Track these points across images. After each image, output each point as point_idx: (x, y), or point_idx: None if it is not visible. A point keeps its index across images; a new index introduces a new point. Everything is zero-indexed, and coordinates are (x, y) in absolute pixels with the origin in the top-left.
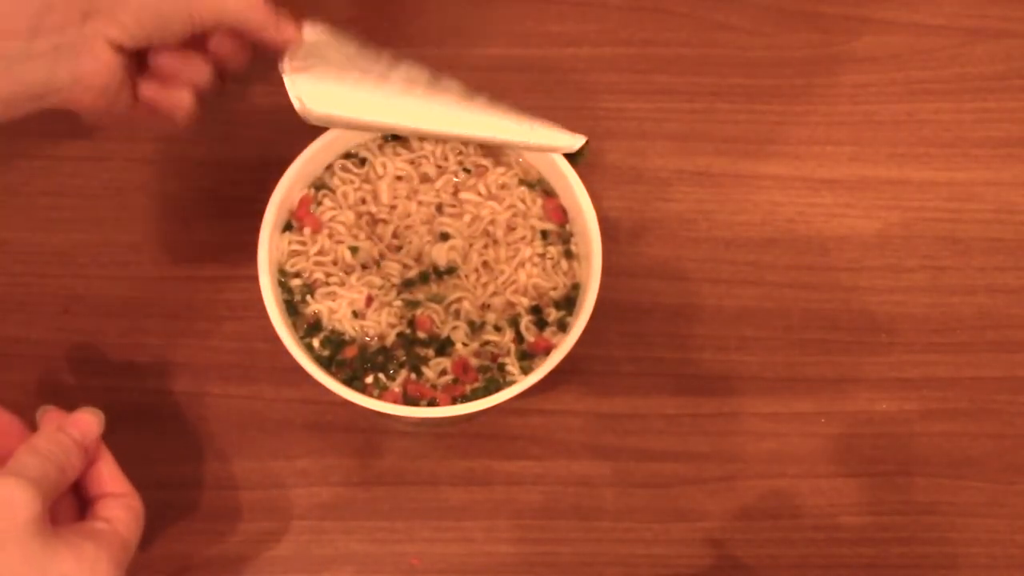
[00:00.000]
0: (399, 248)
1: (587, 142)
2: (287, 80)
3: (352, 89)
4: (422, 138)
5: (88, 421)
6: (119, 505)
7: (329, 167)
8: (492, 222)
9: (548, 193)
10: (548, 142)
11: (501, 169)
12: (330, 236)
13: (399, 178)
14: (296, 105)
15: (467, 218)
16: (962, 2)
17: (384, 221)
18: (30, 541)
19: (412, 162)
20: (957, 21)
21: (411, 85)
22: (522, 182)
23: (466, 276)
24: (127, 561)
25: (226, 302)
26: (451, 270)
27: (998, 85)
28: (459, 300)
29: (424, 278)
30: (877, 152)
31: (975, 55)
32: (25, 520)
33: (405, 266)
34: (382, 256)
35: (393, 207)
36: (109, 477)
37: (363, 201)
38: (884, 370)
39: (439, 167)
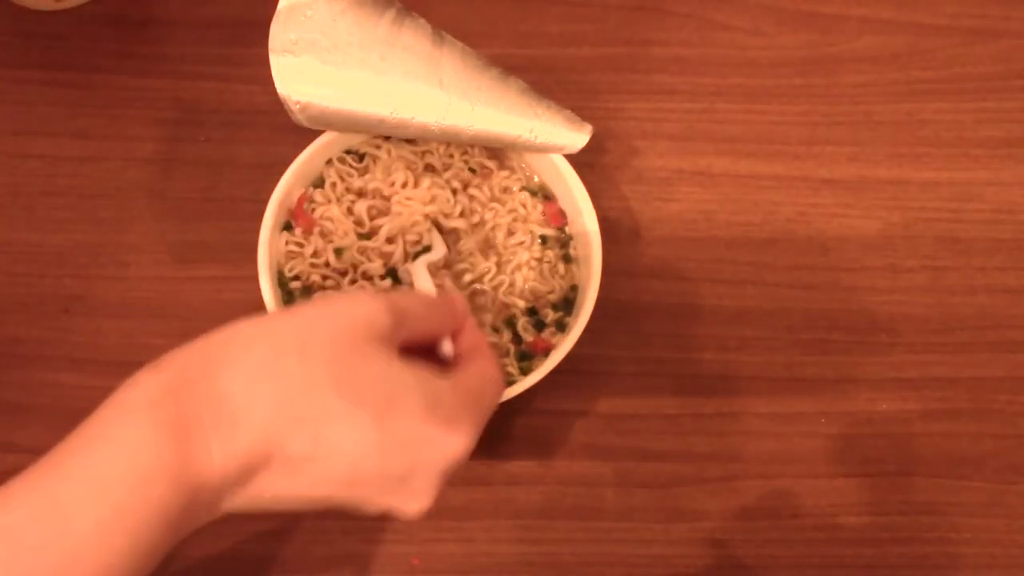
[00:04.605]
0: (390, 242)
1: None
2: (274, 67)
3: (345, 77)
4: (423, 139)
5: (461, 298)
6: (473, 367)
7: (329, 162)
8: (494, 227)
9: (548, 198)
10: (551, 140)
11: (505, 173)
12: (322, 235)
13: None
14: (292, 116)
15: (475, 218)
16: (962, 2)
17: (381, 214)
18: (368, 343)
19: (416, 154)
20: (957, 21)
21: (410, 73)
22: (524, 187)
23: (462, 274)
24: (479, 419)
25: (226, 302)
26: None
27: (998, 85)
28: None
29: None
30: (877, 152)
31: (975, 55)
32: (370, 321)
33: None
34: (361, 252)
35: (389, 204)
36: (468, 343)
37: (360, 194)
38: (884, 370)
39: (444, 164)
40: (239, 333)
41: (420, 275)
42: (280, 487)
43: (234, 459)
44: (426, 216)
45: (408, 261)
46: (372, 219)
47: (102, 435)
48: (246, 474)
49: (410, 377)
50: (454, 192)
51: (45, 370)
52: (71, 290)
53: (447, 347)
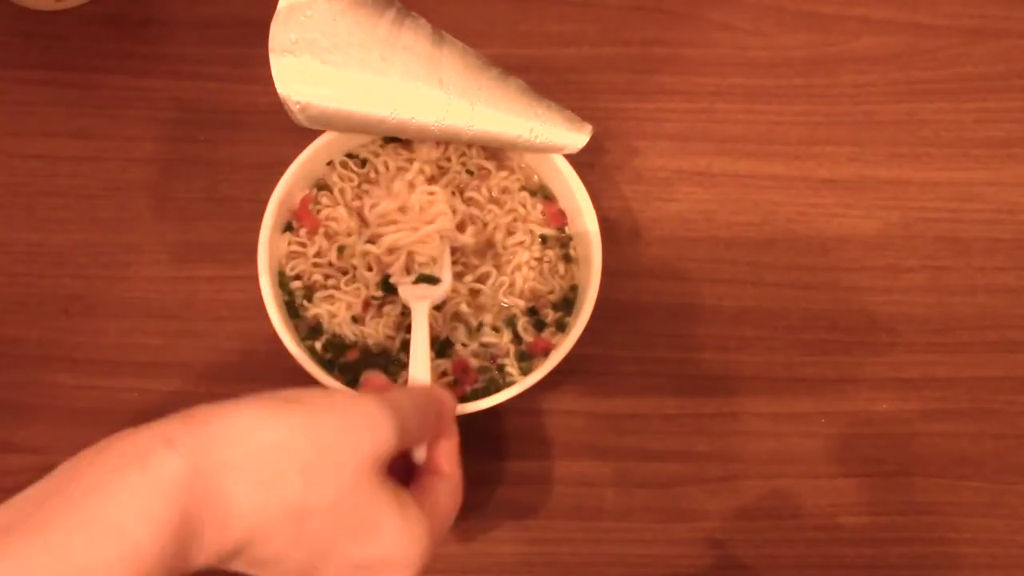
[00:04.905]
0: (391, 252)
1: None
2: (274, 67)
3: (345, 77)
4: (422, 139)
5: (450, 396)
6: (445, 485)
7: (330, 163)
8: (494, 227)
9: (548, 198)
10: (551, 140)
11: (504, 173)
12: (327, 236)
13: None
14: (292, 116)
15: (478, 224)
16: (962, 2)
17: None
18: (368, 474)
19: (412, 162)
20: (957, 21)
21: (411, 73)
22: (523, 187)
23: (462, 274)
24: (440, 539)
25: (226, 302)
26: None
27: (998, 85)
28: (457, 304)
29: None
30: (877, 152)
31: (975, 55)
32: (376, 450)
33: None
34: (363, 256)
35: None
36: (447, 456)
37: (359, 197)
38: (884, 370)
39: (440, 168)
40: (250, 435)
41: (419, 326)
42: (241, 568)
43: (216, 553)
44: (441, 235)
45: (411, 275)
46: (379, 216)
47: (112, 522)
48: (220, 561)
49: (396, 514)
50: (460, 194)
51: (45, 370)
52: (71, 290)
53: (420, 455)
